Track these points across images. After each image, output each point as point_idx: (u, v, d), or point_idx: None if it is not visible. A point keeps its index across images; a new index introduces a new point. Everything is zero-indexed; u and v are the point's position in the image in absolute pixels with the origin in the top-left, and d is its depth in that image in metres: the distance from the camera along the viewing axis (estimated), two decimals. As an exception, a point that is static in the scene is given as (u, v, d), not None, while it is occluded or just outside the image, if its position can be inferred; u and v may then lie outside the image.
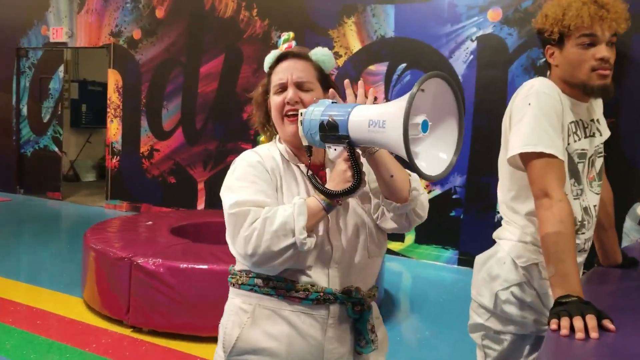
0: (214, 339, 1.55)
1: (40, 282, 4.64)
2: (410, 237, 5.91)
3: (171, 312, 3.47)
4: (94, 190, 9.59)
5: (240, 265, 1.56)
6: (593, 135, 1.81)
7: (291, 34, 1.63)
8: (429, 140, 1.27)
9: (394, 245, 5.90)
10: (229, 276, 1.60)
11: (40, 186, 8.93)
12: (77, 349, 3.37)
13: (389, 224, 1.54)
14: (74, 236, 6.01)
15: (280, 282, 1.48)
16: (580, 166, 1.75)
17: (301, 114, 1.42)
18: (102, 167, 10.08)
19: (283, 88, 1.53)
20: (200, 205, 7.35)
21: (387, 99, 5.96)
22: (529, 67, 5.31)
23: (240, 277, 1.54)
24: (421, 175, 1.21)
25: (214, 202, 7.11)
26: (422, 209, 1.53)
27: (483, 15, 5.52)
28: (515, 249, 1.80)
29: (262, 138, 1.68)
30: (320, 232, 1.47)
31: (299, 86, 1.53)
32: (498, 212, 5.51)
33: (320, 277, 1.48)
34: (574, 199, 1.72)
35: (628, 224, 3.92)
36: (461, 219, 5.69)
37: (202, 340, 3.44)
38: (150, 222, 4.57)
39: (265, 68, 1.59)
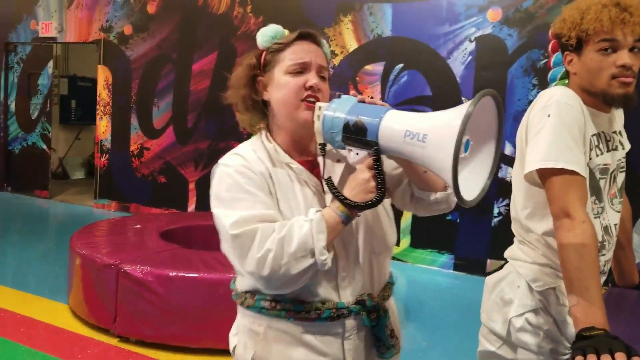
0: (204, 351, 1.45)
1: (25, 286, 4.50)
2: (405, 241, 5.80)
3: (159, 321, 3.34)
4: (82, 188, 9.42)
5: (242, 283, 1.43)
6: (615, 149, 1.68)
7: (286, 32, 1.50)
8: (469, 162, 1.18)
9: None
10: (233, 293, 1.47)
11: (28, 184, 8.75)
12: (61, 360, 3.24)
13: (428, 209, 1.43)
14: (61, 237, 5.86)
15: (288, 304, 1.35)
16: (602, 182, 1.62)
17: (319, 107, 1.29)
18: (91, 164, 9.91)
19: (303, 69, 1.37)
20: (191, 206, 7.21)
21: (384, 99, 5.84)
22: (529, 68, 5.20)
23: (245, 299, 1.41)
24: (461, 200, 1.11)
25: (205, 203, 6.90)
26: (453, 201, 1.41)
27: (482, 15, 5.40)
28: (530, 271, 1.67)
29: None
30: None
31: (319, 72, 1.39)
32: (495, 217, 5.47)
33: (330, 292, 1.36)
34: (594, 217, 1.60)
35: (636, 239, 3.81)
36: (457, 223, 5.58)
37: (191, 352, 3.31)
38: (138, 226, 4.43)
39: (267, 42, 1.43)
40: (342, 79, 6.04)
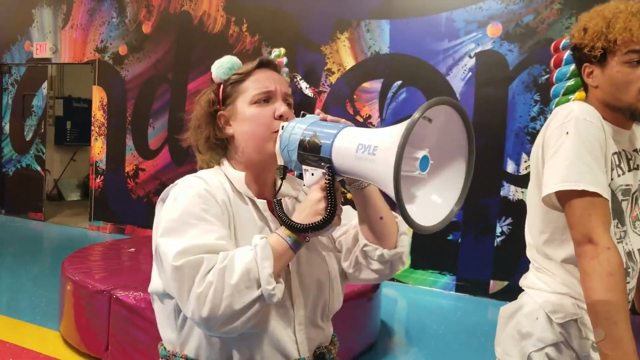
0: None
1: (16, 312, 4.36)
2: (406, 262, 5.66)
3: (153, 350, 3.19)
4: (77, 210, 9.30)
5: (174, 343, 1.25)
6: (637, 168, 1.57)
7: (282, 50, 1.39)
8: (430, 183, 1.05)
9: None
10: None
11: (22, 206, 8.62)
12: (50, 392, 3.10)
13: (367, 274, 1.29)
14: (55, 260, 5.72)
15: None
16: (624, 204, 1.51)
17: (282, 127, 1.18)
18: (86, 185, 9.81)
19: (269, 97, 1.28)
20: (188, 227, 7.08)
21: (382, 117, 5.76)
22: (531, 84, 5.11)
23: None
24: (410, 222, 0.97)
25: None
26: (407, 254, 1.31)
27: (482, 30, 5.32)
28: (549, 302, 1.54)
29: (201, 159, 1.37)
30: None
31: (285, 100, 1.30)
32: (498, 236, 5.36)
33: (288, 345, 1.21)
34: (617, 242, 1.48)
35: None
36: (459, 243, 5.46)
37: (187, 382, 3.17)
38: (133, 249, 4.31)
39: (225, 73, 1.33)
40: (339, 97, 5.95)
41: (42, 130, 8.57)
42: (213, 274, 1.06)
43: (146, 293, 3.22)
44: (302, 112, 1.24)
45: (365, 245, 1.26)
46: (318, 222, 1.10)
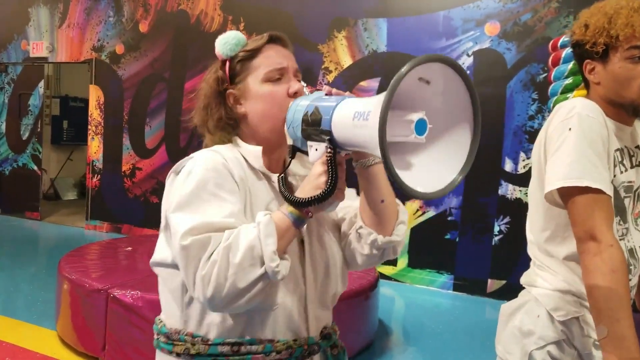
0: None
1: (12, 311, 4.33)
2: (403, 261, 5.66)
3: (151, 349, 3.17)
4: (74, 209, 9.28)
5: (178, 320, 1.22)
6: (639, 165, 1.56)
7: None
8: (432, 149, 1.00)
9: (386, 270, 5.63)
10: (163, 340, 1.24)
11: (19, 206, 8.58)
12: (47, 391, 3.08)
13: (357, 258, 1.27)
14: (51, 259, 5.69)
15: (255, 346, 1.16)
16: (626, 201, 1.50)
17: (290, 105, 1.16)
18: (83, 185, 9.78)
19: (281, 75, 1.24)
20: (185, 227, 7.05)
21: (380, 116, 5.74)
22: (529, 83, 5.11)
23: (193, 344, 1.18)
24: (402, 187, 0.93)
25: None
26: (401, 245, 1.27)
27: (480, 29, 5.32)
28: (551, 299, 1.52)
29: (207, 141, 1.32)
30: (294, 263, 1.17)
31: (296, 76, 1.26)
32: (496, 235, 5.34)
33: (299, 322, 1.20)
34: (619, 239, 1.46)
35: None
36: (456, 242, 5.45)
37: (184, 381, 3.16)
38: (129, 248, 4.29)
39: (232, 50, 1.27)
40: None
41: (39, 130, 8.55)
42: (217, 252, 1.04)
43: (143, 292, 3.22)
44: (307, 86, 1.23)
45: (361, 227, 1.24)
46: (317, 195, 1.07)
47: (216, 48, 1.29)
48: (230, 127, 1.28)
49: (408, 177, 0.95)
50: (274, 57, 1.25)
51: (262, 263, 1.04)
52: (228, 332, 1.18)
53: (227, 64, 1.28)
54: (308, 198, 1.07)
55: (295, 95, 1.21)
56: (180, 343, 1.20)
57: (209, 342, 1.17)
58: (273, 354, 1.17)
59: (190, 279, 1.06)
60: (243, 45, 1.28)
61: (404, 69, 0.90)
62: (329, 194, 1.07)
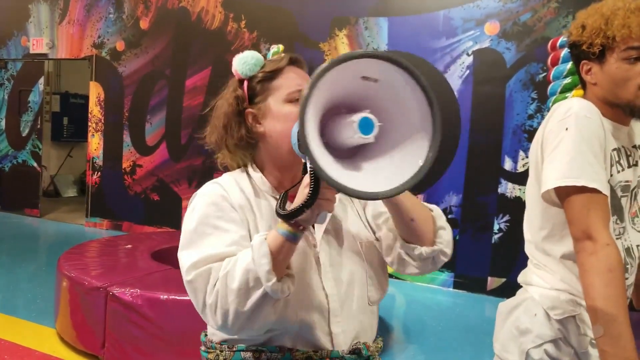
0: (196, 377, 1.36)
1: (12, 309, 4.33)
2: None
3: (150, 347, 3.19)
4: (74, 206, 9.28)
5: (217, 333, 1.27)
6: (636, 164, 1.57)
7: (281, 47, 1.36)
8: (393, 155, 0.99)
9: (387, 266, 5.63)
10: (203, 349, 1.31)
11: (18, 203, 8.59)
12: (46, 389, 3.09)
13: (410, 269, 1.28)
14: (51, 257, 5.69)
15: (275, 353, 1.20)
16: (623, 201, 1.51)
17: None
18: (83, 182, 9.79)
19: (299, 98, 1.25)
20: (185, 224, 7.05)
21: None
22: (528, 82, 5.11)
23: (221, 351, 1.26)
24: (330, 182, 0.92)
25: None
26: (449, 247, 1.27)
27: (480, 28, 5.32)
28: (547, 298, 1.53)
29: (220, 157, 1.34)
30: (311, 279, 1.22)
31: None
32: (495, 233, 5.35)
33: (322, 337, 1.22)
34: (616, 238, 1.47)
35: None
36: (457, 240, 5.45)
37: (183, 379, 3.17)
38: (129, 246, 4.29)
39: (251, 70, 1.29)
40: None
41: (39, 126, 8.55)
42: (219, 281, 1.09)
43: (143, 290, 3.23)
44: None
45: (403, 245, 1.26)
46: (297, 207, 1.05)
47: (234, 67, 1.31)
48: (251, 146, 1.31)
49: (348, 177, 0.94)
50: (294, 79, 1.28)
51: (261, 284, 1.07)
52: (252, 340, 1.23)
53: (246, 83, 1.30)
54: (290, 210, 1.07)
55: None
56: (212, 350, 1.28)
57: (234, 349, 1.24)
58: None
59: (201, 310, 1.13)
60: (262, 65, 1.30)
61: (325, 65, 0.89)
62: (307, 205, 1.05)
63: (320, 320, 1.22)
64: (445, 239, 1.27)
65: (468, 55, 5.39)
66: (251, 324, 1.10)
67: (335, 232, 1.30)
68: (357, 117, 0.94)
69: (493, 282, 5.25)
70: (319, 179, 1.04)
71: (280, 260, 1.09)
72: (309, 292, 1.21)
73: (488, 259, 5.29)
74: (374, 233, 1.36)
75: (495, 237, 5.26)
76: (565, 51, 4.18)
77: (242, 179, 1.30)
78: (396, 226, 1.26)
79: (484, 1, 5.29)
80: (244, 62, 1.29)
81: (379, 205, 1.31)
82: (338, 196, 1.17)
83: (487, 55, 5.31)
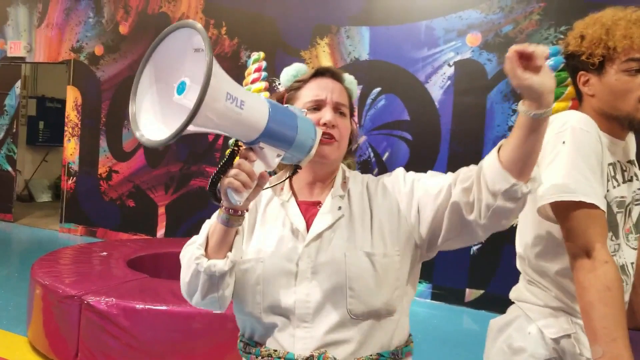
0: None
1: (-19, 316, 4.23)
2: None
3: (125, 358, 3.11)
4: (48, 211, 9.13)
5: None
6: (631, 180, 1.53)
7: (262, 54, 1.39)
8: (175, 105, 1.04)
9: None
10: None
11: (-9, 207, 8.42)
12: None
13: (502, 215, 1.15)
14: (24, 263, 5.59)
15: (251, 347, 1.33)
16: (618, 217, 1.47)
17: None
18: (58, 187, 9.65)
19: (318, 106, 1.34)
20: (160, 231, 6.96)
21: (360, 124, 5.74)
22: (509, 94, 5.13)
23: (239, 340, 1.42)
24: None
25: (175, 228, 6.75)
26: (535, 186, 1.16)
27: (461, 39, 5.33)
28: (541, 316, 1.49)
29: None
30: (287, 282, 1.27)
31: (337, 109, 1.35)
32: (474, 245, 5.34)
33: (285, 339, 1.27)
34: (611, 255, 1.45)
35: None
36: (436, 251, 5.43)
37: (158, 390, 3.10)
38: (104, 253, 4.21)
39: (288, 81, 1.43)
40: (318, 103, 5.90)
41: (14, 130, 8.40)
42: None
43: (118, 299, 3.16)
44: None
45: (509, 187, 1.12)
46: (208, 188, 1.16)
47: (280, 78, 1.46)
48: None
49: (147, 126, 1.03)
50: (314, 90, 1.36)
51: (193, 260, 1.23)
52: (244, 331, 1.38)
53: (285, 92, 1.44)
54: (209, 190, 1.17)
55: (325, 125, 1.31)
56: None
57: (239, 339, 1.40)
58: (260, 357, 1.28)
59: None
60: (300, 76, 1.42)
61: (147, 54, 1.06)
62: (211, 184, 1.14)
63: (285, 323, 1.27)
64: (539, 175, 1.17)
65: (449, 65, 5.40)
66: (195, 295, 1.26)
67: (331, 240, 1.30)
68: (175, 84, 1.02)
69: (471, 293, 5.25)
70: (226, 162, 1.13)
71: (213, 241, 1.22)
72: (281, 294, 1.27)
73: (466, 270, 5.29)
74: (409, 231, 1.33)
75: (474, 248, 5.26)
76: (547, 62, 4.21)
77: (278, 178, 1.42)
78: (517, 159, 1.12)
79: (466, 12, 5.31)
80: (285, 74, 1.44)
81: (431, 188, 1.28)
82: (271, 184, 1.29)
83: (468, 66, 5.33)
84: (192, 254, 1.23)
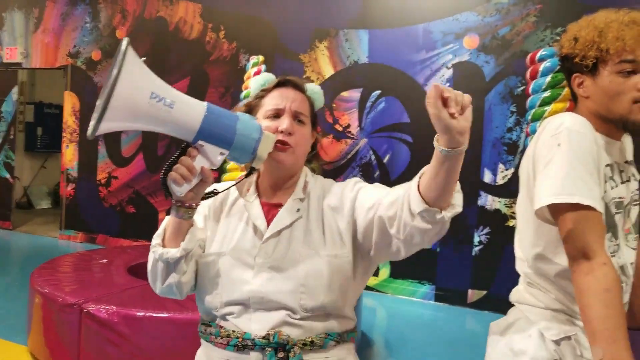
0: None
1: (-19, 325, 4.22)
2: (384, 272, 5.63)
3: (126, 366, 3.10)
4: (47, 218, 9.11)
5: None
6: (629, 180, 1.53)
7: (261, 58, 1.43)
8: None
9: (368, 280, 5.59)
10: None
11: (-10, 214, 8.40)
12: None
13: (422, 237, 1.26)
14: (24, 270, 5.58)
15: (211, 328, 1.43)
16: (617, 217, 1.47)
17: None
18: (57, 193, 9.64)
19: (277, 114, 1.44)
20: (161, 237, 6.93)
21: (361, 126, 5.73)
22: (507, 95, 5.13)
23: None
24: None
25: (176, 233, 6.71)
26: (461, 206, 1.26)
27: (459, 42, 5.33)
28: (542, 318, 1.49)
29: (226, 176, 1.51)
30: (244, 273, 1.38)
31: (295, 117, 1.45)
32: (476, 246, 5.35)
33: (243, 321, 1.38)
34: (610, 256, 1.43)
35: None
36: (437, 252, 5.44)
37: (160, 398, 3.08)
38: (105, 260, 4.19)
39: (256, 89, 1.53)
40: (317, 106, 5.90)
41: (12, 137, 8.39)
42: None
43: (119, 307, 3.14)
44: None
45: (425, 209, 1.20)
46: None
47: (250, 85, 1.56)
48: None
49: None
50: (275, 99, 1.46)
51: (152, 248, 1.38)
52: (204, 316, 1.49)
53: (252, 101, 1.54)
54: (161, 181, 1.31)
55: (282, 133, 1.40)
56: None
57: (200, 322, 1.50)
58: (219, 338, 1.38)
59: None
60: (266, 85, 1.52)
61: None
62: (162, 178, 1.28)
63: (242, 310, 1.38)
64: (459, 202, 1.24)
65: (447, 68, 5.40)
66: (158, 283, 1.40)
67: (287, 239, 1.41)
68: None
69: (474, 294, 5.24)
70: (174, 158, 1.27)
71: (169, 232, 1.36)
72: (239, 286, 1.37)
73: (468, 271, 5.28)
74: (353, 236, 1.42)
75: (476, 249, 5.25)
76: (544, 65, 4.21)
77: (244, 181, 1.51)
78: (432, 187, 1.20)
79: (463, 15, 5.31)
80: (255, 81, 1.54)
81: (368, 199, 1.38)
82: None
83: (466, 69, 5.32)
84: (151, 244, 1.38)
